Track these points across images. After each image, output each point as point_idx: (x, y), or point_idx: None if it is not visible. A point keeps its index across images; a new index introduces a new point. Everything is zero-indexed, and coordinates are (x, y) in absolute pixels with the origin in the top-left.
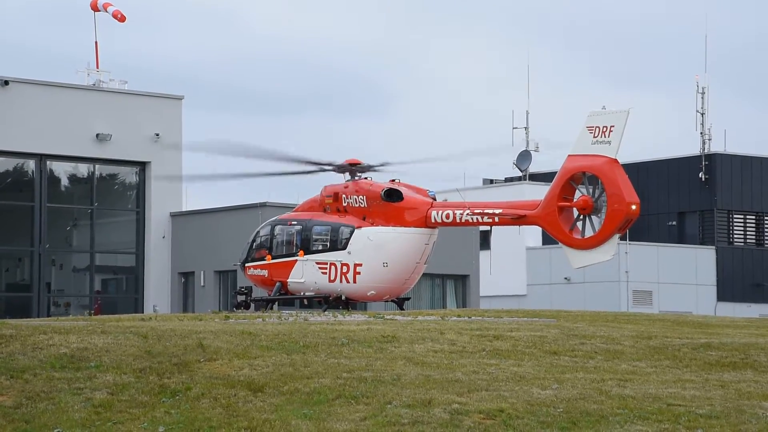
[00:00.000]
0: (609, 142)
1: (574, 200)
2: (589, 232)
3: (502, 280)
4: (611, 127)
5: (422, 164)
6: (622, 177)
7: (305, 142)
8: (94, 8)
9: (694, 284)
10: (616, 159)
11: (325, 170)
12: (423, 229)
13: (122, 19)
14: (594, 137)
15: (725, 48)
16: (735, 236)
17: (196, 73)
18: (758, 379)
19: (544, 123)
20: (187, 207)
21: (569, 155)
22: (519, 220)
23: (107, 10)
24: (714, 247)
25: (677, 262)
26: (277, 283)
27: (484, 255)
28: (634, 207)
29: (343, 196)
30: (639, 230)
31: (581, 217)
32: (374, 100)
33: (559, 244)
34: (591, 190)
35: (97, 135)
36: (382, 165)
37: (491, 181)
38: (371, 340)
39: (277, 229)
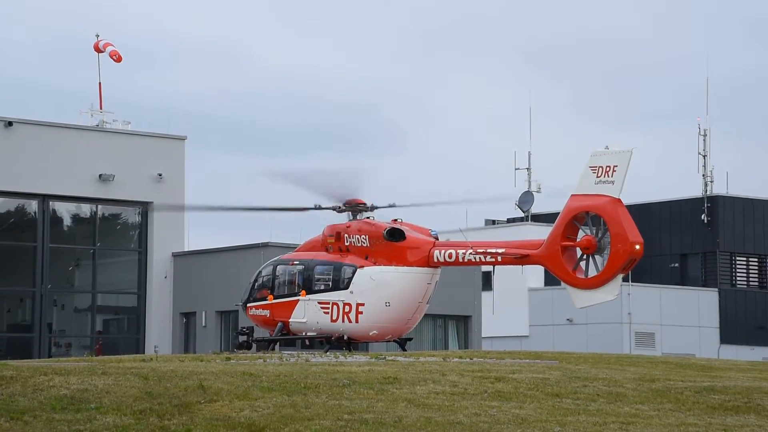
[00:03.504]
0: (612, 182)
1: (578, 240)
2: (592, 272)
3: (504, 321)
4: (614, 166)
5: (427, 207)
6: (626, 216)
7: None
8: (98, 50)
9: (697, 326)
10: (619, 198)
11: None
12: (425, 268)
13: (119, 59)
14: (597, 177)
15: (727, 90)
16: (738, 278)
17: (200, 113)
18: (762, 423)
19: (546, 163)
20: (189, 247)
21: (572, 195)
22: (522, 259)
23: (106, 50)
24: (717, 289)
25: (680, 304)
26: (279, 324)
27: (486, 296)
28: (638, 247)
29: (346, 235)
30: (641, 272)
31: (585, 256)
32: (379, 139)
33: (562, 284)
34: (594, 230)
35: (100, 175)
36: (389, 206)
37: (493, 222)
38: (373, 381)
39: (279, 268)
